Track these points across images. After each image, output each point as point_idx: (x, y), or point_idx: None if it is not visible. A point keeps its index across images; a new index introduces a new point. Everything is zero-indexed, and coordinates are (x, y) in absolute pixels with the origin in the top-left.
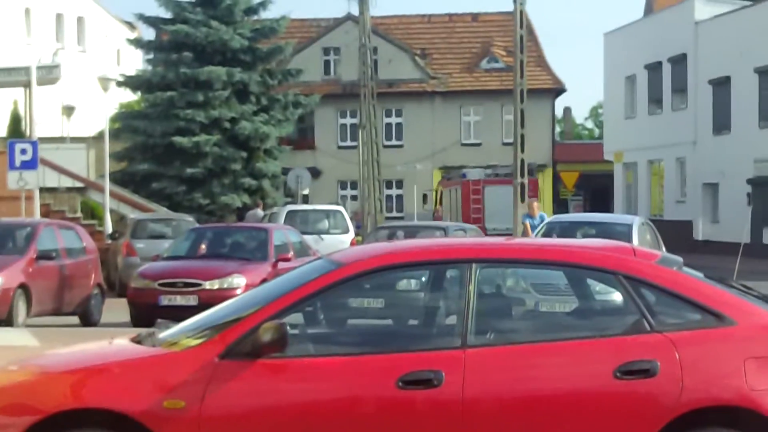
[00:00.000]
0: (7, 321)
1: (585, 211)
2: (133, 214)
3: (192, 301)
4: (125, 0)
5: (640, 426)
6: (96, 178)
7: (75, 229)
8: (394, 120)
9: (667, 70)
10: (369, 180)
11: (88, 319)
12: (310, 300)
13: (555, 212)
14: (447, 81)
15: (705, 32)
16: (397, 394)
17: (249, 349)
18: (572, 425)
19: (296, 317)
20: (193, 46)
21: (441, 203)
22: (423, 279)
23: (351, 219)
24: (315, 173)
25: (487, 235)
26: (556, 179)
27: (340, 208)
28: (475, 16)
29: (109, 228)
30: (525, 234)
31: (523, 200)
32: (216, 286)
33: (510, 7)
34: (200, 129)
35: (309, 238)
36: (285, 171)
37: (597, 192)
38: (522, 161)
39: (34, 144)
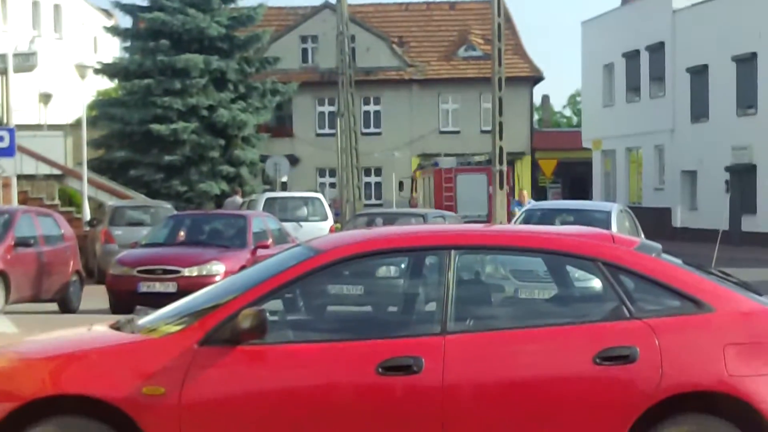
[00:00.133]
0: None
1: (564, 198)
2: (111, 202)
3: (171, 288)
4: None
5: (619, 412)
6: (74, 166)
7: (53, 217)
8: (372, 108)
9: (644, 58)
10: (347, 168)
11: (66, 306)
12: (289, 287)
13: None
14: (425, 69)
15: (683, 21)
16: (376, 381)
17: (228, 336)
18: (552, 411)
19: (275, 304)
20: (170, 33)
21: (416, 191)
22: (402, 266)
23: (330, 206)
24: (293, 161)
25: None
26: (535, 167)
27: (319, 195)
28: (452, 5)
29: (87, 215)
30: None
31: (501, 187)
32: (195, 273)
33: None
34: (178, 116)
35: (288, 226)
36: (263, 159)
37: (575, 179)
38: (500, 149)
39: (11, 131)
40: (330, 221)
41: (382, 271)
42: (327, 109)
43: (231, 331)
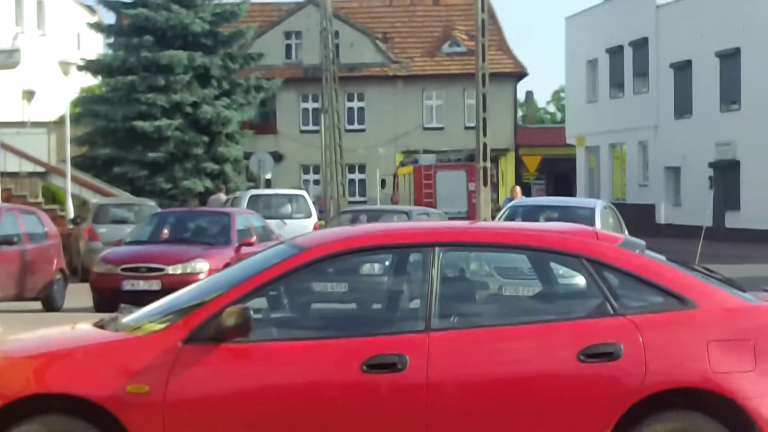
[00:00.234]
0: None
1: (548, 194)
2: (95, 199)
3: (155, 285)
4: None
5: (604, 409)
6: (57, 163)
7: (37, 214)
8: (356, 104)
9: (628, 54)
10: (331, 164)
11: (50, 304)
12: (273, 284)
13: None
14: (409, 65)
15: (666, 16)
16: (361, 378)
17: (212, 334)
18: (536, 408)
19: (259, 302)
20: (154, 30)
21: (397, 188)
22: (386, 263)
23: (314, 203)
24: (277, 157)
25: None
26: (519, 163)
27: (303, 192)
28: (436, 0)
29: (71, 213)
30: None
31: (486, 184)
32: (179, 271)
33: None
34: (162, 113)
35: (272, 223)
36: (247, 155)
37: (559, 176)
38: (484, 145)
39: None
40: (314, 218)
41: (366, 268)
42: (311, 105)
43: (215, 329)
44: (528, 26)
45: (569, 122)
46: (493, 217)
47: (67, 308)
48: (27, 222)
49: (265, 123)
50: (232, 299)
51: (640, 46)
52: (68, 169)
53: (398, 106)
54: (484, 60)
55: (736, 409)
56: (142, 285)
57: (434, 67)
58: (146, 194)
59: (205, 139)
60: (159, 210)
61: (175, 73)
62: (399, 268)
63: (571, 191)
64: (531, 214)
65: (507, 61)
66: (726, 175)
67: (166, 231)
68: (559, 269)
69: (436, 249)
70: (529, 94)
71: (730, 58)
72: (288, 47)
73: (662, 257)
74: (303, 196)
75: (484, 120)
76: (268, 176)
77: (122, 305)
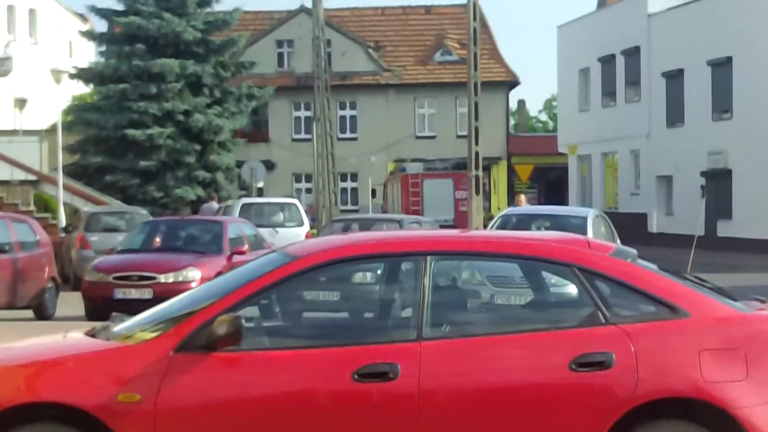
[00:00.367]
0: None
1: (540, 203)
2: (86, 207)
3: (147, 294)
4: None
5: (595, 418)
6: (49, 171)
7: (28, 223)
8: (348, 113)
9: (620, 62)
10: (323, 173)
11: (42, 312)
12: (264, 293)
13: (509, 205)
14: (401, 74)
15: (658, 25)
16: (352, 387)
17: (204, 343)
18: (528, 417)
19: (251, 310)
20: (146, 38)
21: (387, 197)
22: (378, 272)
23: (306, 212)
24: (269, 166)
25: None
26: (511, 172)
27: (295, 200)
28: (428, 9)
29: (62, 221)
30: None
31: (477, 193)
32: (171, 280)
33: (463, 0)
34: (153, 121)
35: (264, 231)
36: (239, 164)
37: (551, 184)
38: (477, 154)
39: None
40: (306, 227)
41: (358, 277)
42: (303, 113)
43: (207, 337)
44: (520, 35)
45: (561, 131)
46: (485, 226)
47: (59, 317)
48: (19, 230)
49: (257, 131)
50: (223, 308)
51: (632, 54)
52: (60, 177)
53: (390, 115)
54: (476, 68)
55: (728, 419)
56: (133, 293)
57: (426, 76)
58: (138, 202)
59: (197, 147)
60: (151, 218)
61: (166, 81)
62: (391, 276)
63: (563, 200)
64: (523, 222)
65: (499, 70)
66: (718, 184)
67: (157, 239)
68: (551, 278)
69: (428, 258)
70: (521, 103)
71: (721, 67)
72: (280, 55)
73: (654, 266)
74: (295, 205)
75: (476, 128)
76: (260, 185)
77: (114, 314)
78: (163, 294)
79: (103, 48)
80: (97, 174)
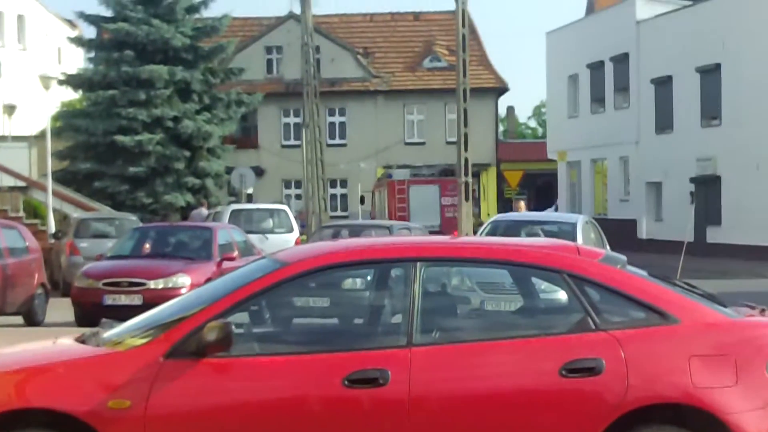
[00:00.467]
0: None
1: (529, 210)
2: (76, 214)
3: (136, 300)
4: None
5: (585, 424)
6: (38, 177)
7: (18, 229)
8: (337, 119)
9: (609, 69)
10: (313, 179)
11: (31, 318)
12: (254, 299)
13: (499, 211)
14: (390, 80)
15: (647, 32)
16: (343, 393)
17: (194, 349)
18: (518, 423)
19: (241, 316)
20: (135, 44)
21: (375, 204)
22: (368, 278)
23: (295, 218)
24: (259, 172)
25: None
26: (500, 178)
27: (285, 207)
28: (417, 15)
29: (52, 227)
30: None
31: (467, 199)
32: (160, 286)
33: (452, 7)
34: (142, 128)
35: (253, 237)
36: (228, 170)
37: (541, 191)
38: (466, 160)
39: None
40: (296, 233)
41: (348, 283)
42: (292, 120)
43: (196, 344)
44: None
45: (550, 137)
46: (474, 232)
47: (49, 323)
48: (8, 236)
49: (246, 137)
50: (213, 314)
51: (621, 61)
52: (49, 183)
53: (379, 121)
54: (465, 75)
55: (718, 424)
56: (123, 299)
57: (415, 82)
58: (127, 209)
59: (186, 153)
60: (140, 224)
61: (155, 87)
62: (381, 283)
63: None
64: (512, 229)
65: (488, 76)
66: (707, 191)
67: (147, 245)
68: (541, 284)
69: (418, 264)
70: (511, 109)
71: (710, 74)
72: (269, 62)
73: (644, 272)
74: (284, 211)
75: (466, 135)
76: (250, 191)
77: (103, 320)
78: (152, 300)
79: (92, 54)
80: (86, 180)
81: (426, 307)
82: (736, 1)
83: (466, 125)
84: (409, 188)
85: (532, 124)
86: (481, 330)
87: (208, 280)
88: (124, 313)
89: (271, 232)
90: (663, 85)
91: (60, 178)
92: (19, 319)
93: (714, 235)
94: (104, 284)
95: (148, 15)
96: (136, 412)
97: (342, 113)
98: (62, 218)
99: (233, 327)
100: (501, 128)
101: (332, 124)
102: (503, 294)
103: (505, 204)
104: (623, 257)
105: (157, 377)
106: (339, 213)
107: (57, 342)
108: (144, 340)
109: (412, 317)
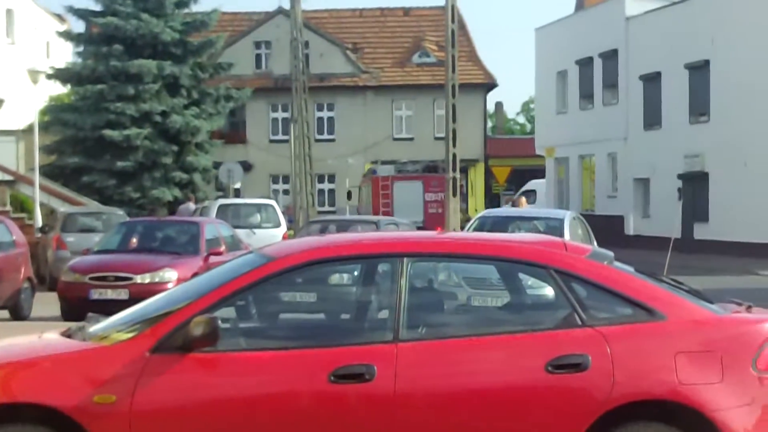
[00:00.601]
0: None
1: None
2: (63, 208)
3: (123, 295)
4: None
5: (571, 420)
6: (26, 171)
7: (4, 223)
8: (326, 114)
9: (598, 65)
10: (301, 174)
11: (18, 313)
12: (241, 294)
13: (487, 207)
14: (379, 75)
15: (635, 28)
16: (329, 389)
17: (180, 343)
18: (504, 419)
19: (228, 311)
20: (124, 38)
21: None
22: (355, 273)
23: (283, 213)
24: (246, 167)
25: None
26: (488, 174)
27: (272, 202)
28: (406, 11)
29: (39, 221)
30: None
31: (455, 194)
32: (147, 280)
33: (441, 2)
34: (131, 122)
35: (241, 232)
36: (216, 165)
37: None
38: (454, 156)
39: None
40: (283, 228)
41: (335, 278)
42: (280, 115)
43: (183, 338)
44: (498, 37)
45: (539, 133)
46: (462, 228)
47: (35, 317)
48: None
49: (234, 132)
50: (200, 309)
51: (610, 57)
52: (36, 177)
53: (368, 117)
54: (453, 71)
55: (704, 421)
56: (110, 294)
57: (404, 78)
58: (115, 203)
59: (174, 148)
60: (127, 219)
61: (144, 82)
62: (368, 278)
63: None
64: (500, 224)
65: (477, 72)
66: (695, 187)
67: (134, 240)
68: (528, 280)
69: (405, 259)
70: (499, 105)
71: (699, 71)
72: (258, 57)
73: (631, 268)
74: (272, 206)
75: (454, 131)
76: (238, 186)
77: (90, 314)
78: (139, 295)
79: (81, 48)
80: (73, 174)
81: (413, 302)
82: None
83: (454, 121)
84: (393, 184)
85: (521, 120)
86: (467, 326)
87: (195, 274)
88: (110, 308)
89: (259, 227)
90: (651, 81)
91: (47, 172)
92: (5, 314)
93: (701, 232)
94: (91, 279)
95: (137, 9)
96: (122, 407)
97: (330, 108)
98: (49, 212)
99: (220, 322)
100: (489, 124)
101: (321, 119)
102: (490, 290)
103: (492, 200)
104: (610, 253)
105: (143, 372)
106: (327, 208)
107: (43, 336)
108: (130, 335)
109: (398, 313)
